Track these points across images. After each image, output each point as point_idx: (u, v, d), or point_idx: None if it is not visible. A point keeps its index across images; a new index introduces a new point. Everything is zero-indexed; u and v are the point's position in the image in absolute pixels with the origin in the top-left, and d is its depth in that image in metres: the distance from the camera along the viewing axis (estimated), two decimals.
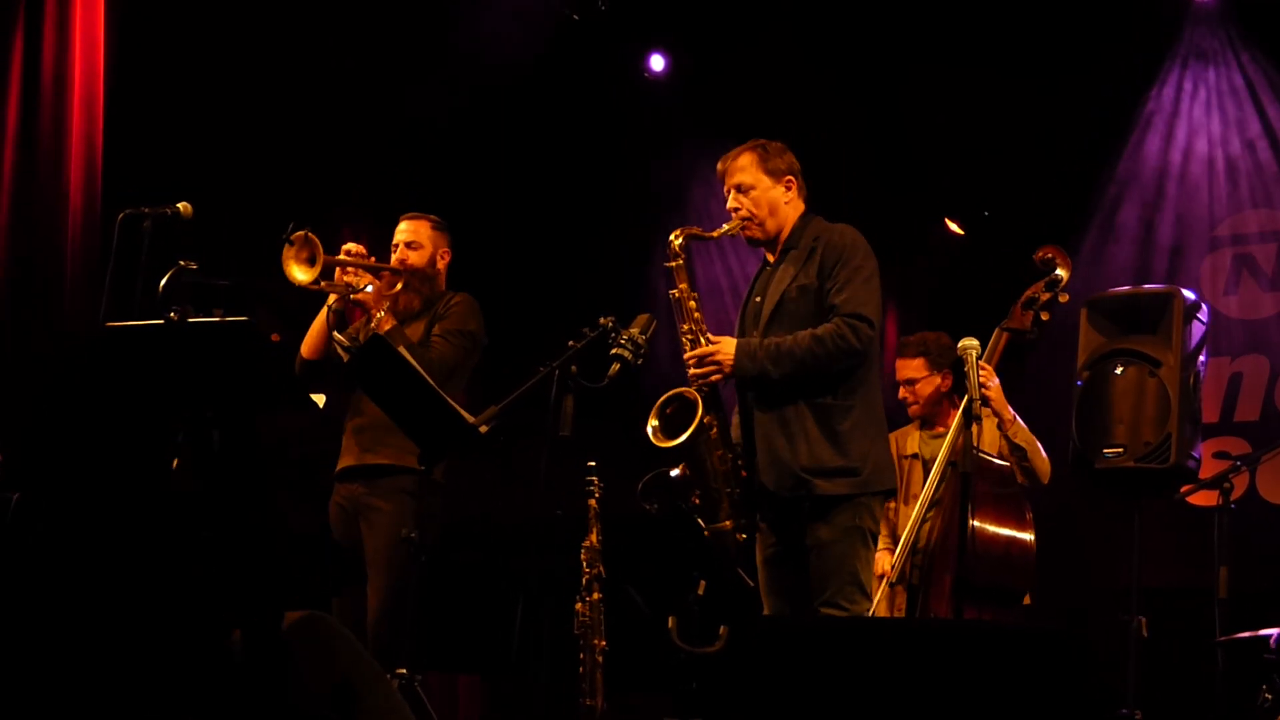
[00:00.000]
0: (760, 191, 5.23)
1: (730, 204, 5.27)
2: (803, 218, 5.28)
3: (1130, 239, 8.74)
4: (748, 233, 5.26)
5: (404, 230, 6.11)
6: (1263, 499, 8.19)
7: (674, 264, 5.16)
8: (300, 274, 5.64)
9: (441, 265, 6.13)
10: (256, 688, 3.90)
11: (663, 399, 5.05)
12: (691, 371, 5.09)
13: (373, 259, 5.93)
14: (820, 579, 5.04)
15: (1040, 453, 6.00)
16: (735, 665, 4.64)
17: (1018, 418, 5.98)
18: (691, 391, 5.04)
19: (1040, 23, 8.48)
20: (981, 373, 5.71)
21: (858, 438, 5.06)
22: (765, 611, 5.25)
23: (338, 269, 5.82)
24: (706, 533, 5.07)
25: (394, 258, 6.05)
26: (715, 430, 5.05)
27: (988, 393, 5.77)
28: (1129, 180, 8.80)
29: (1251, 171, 8.51)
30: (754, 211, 5.23)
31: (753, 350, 5.05)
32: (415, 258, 6.05)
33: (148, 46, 7.69)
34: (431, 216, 6.15)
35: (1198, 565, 6.95)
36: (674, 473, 5.09)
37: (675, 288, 5.16)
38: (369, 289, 5.79)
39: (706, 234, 5.27)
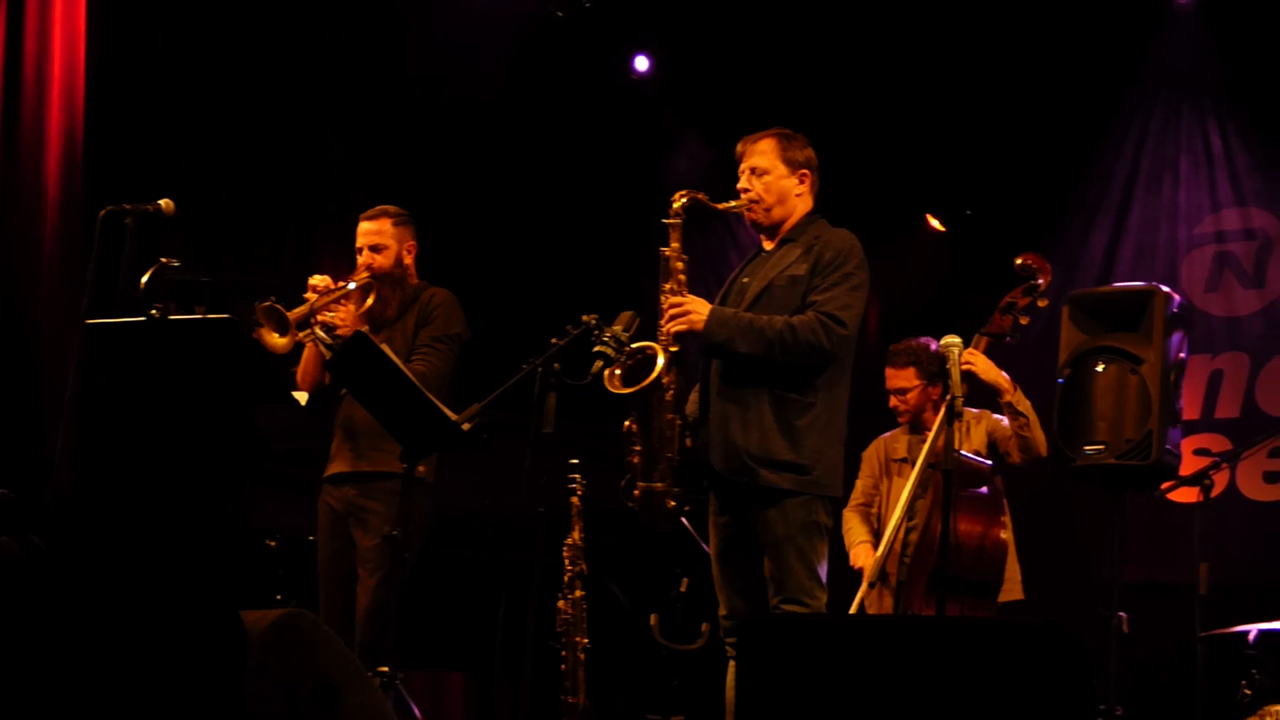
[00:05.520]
0: (774, 178, 5.24)
1: (741, 184, 5.27)
2: (809, 215, 5.29)
3: (1112, 236, 8.76)
4: (751, 215, 5.27)
5: (366, 232, 6.03)
6: (1243, 495, 8.22)
7: (671, 221, 5.15)
8: (279, 341, 5.64)
9: (409, 260, 6.07)
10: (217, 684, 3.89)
11: (630, 347, 5.03)
12: (663, 322, 5.07)
13: (340, 283, 5.88)
14: (779, 575, 5.04)
15: (1038, 424, 6.03)
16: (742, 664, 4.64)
17: (1016, 386, 6.01)
18: (658, 347, 5.03)
19: (1020, 20, 8.50)
20: (971, 357, 5.75)
21: (813, 436, 5.06)
22: (722, 609, 5.24)
23: (312, 315, 5.79)
24: (637, 490, 5.06)
25: (359, 261, 6.01)
26: (671, 393, 5.04)
27: (976, 370, 5.80)
28: (1110, 177, 8.82)
29: (1232, 168, 8.52)
30: (763, 195, 5.24)
31: (726, 317, 5.05)
32: (381, 259, 5.99)
33: (129, 40, 7.67)
34: (390, 210, 6.06)
35: (1178, 561, 6.99)
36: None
37: (667, 245, 5.15)
38: (344, 317, 5.79)
39: (711, 203, 5.24)
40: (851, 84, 8.93)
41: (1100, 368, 5.65)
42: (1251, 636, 6.04)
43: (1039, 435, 6.04)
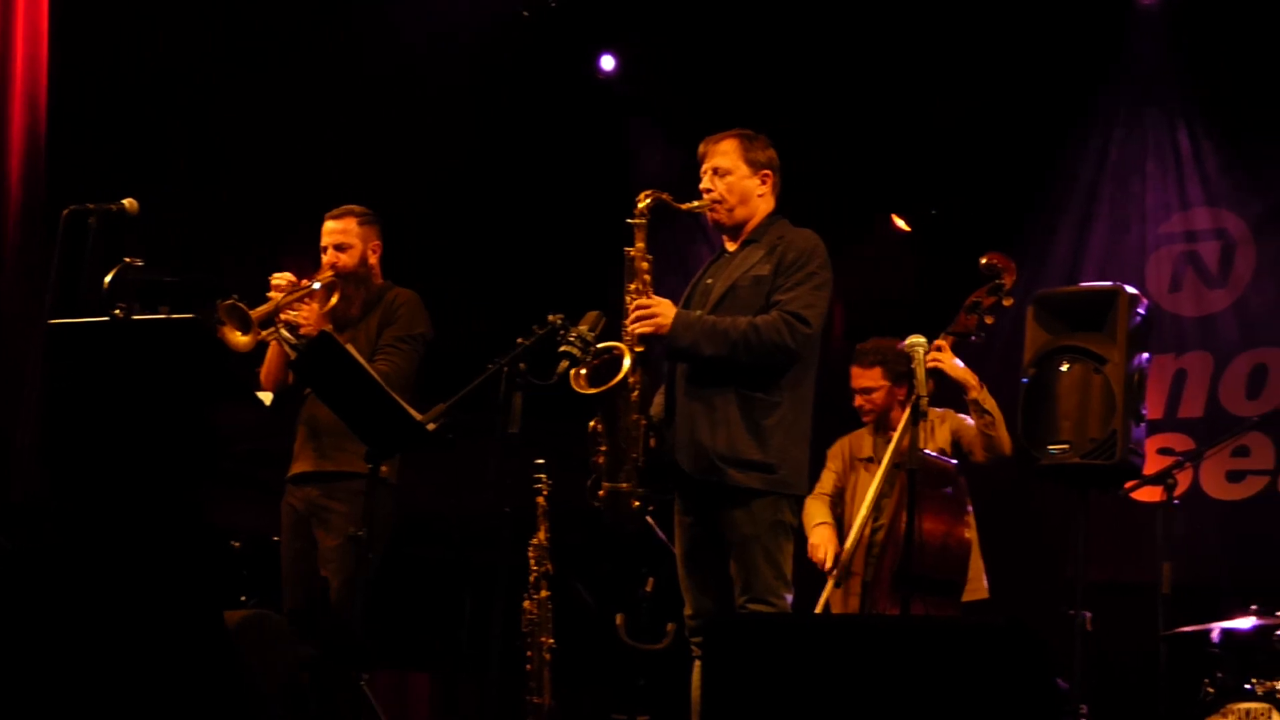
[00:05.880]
0: (736, 178, 5.26)
1: (704, 184, 5.28)
2: (771, 215, 5.31)
3: (1078, 236, 8.78)
4: (714, 215, 5.29)
5: (331, 231, 6.02)
6: (1206, 495, 8.25)
7: (636, 222, 5.16)
8: (241, 339, 5.61)
9: (374, 260, 6.06)
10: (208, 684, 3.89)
11: (596, 348, 5.04)
12: (627, 323, 5.08)
13: (303, 281, 5.86)
14: (745, 574, 5.05)
15: (1004, 423, 6.04)
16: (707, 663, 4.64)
17: (983, 385, 6.02)
18: (624, 347, 5.04)
19: (987, 20, 8.52)
20: (939, 354, 5.77)
21: (779, 435, 5.07)
22: (688, 609, 5.25)
23: (276, 314, 5.76)
24: (603, 490, 5.06)
25: (324, 260, 5.99)
26: (636, 394, 5.05)
27: (944, 367, 5.82)
28: (1076, 177, 8.85)
29: (1197, 169, 8.56)
30: (725, 196, 5.26)
31: (691, 321, 5.06)
32: (345, 259, 5.98)
33: (92, 39, 7.64)
34: (356, 210, 6.05)
35: (1142, 561, 7.01)
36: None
37: (632, 246, 5.16)
38: (308, 316, 5.76)
39: (675, 203, 5.25)
40: (817, 85, 8.94)
41: (1064, 367, 5.66)
42: (1215, 635, 6.08)
43: (1004, 434, 6.05)
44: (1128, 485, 6.15)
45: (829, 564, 6.07)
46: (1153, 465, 6.47)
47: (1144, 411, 5.71)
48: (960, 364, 5.93)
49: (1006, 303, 5.95)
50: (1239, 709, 5.82)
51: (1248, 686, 5.90)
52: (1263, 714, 5.77)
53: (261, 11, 8.27)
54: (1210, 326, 8.50)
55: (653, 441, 5.12)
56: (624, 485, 5.06)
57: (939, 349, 5.84)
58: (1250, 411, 8.11)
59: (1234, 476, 8.27)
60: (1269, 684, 5.87)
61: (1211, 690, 6.00)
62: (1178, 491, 6.41)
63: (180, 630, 3.86)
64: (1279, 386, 8.20)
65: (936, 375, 5.79)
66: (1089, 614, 5.62)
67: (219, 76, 8.08)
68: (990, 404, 6.04)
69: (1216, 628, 6.08)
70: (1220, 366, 8.42)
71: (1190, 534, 7.72)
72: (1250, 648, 6.04)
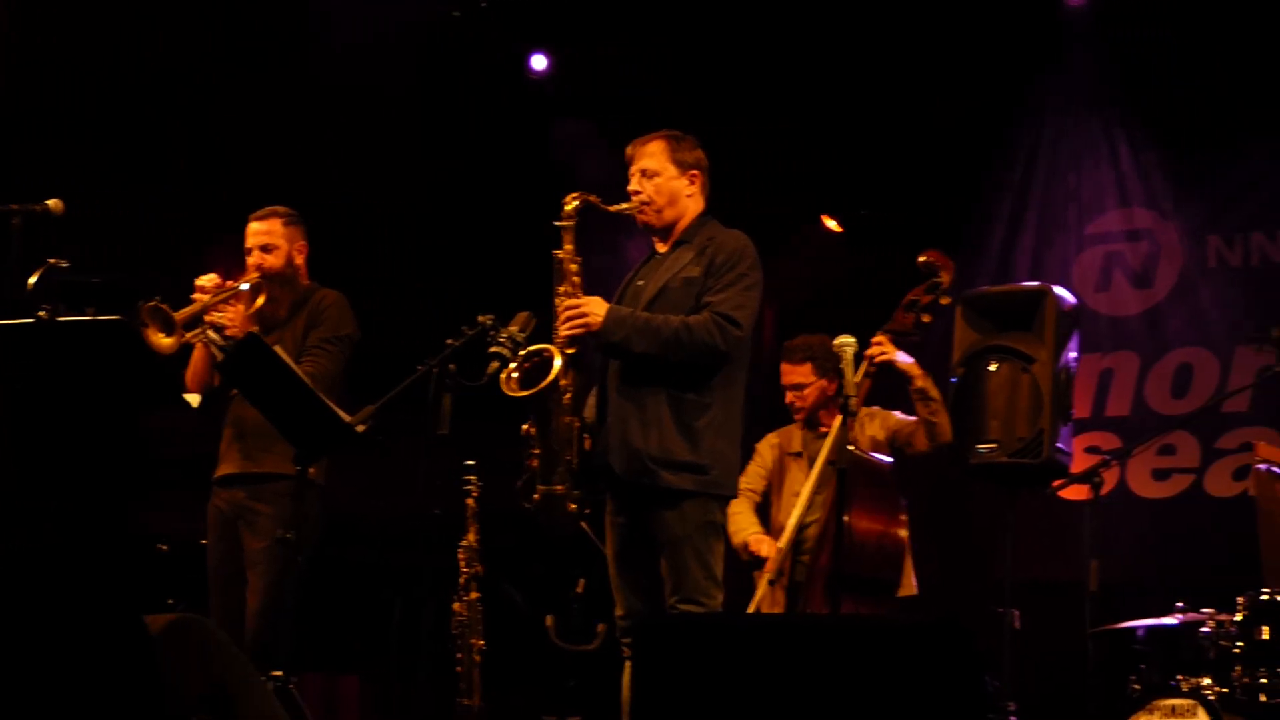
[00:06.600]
0: (664, 179, 5.26)
1: (632, 186, 5.27)
2: (701, 216, 5.31)
3: (1004, 237, 8.83)
4: (642, 217, 5.28)
5: (255, 233, 5.95)
6: (1132, 493, 8.33)
7: (564, 224, 5.15)
8: (164, 341, 5.56)
9: (299, 261, 6.00)
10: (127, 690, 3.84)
11: (525, 350, 5.04)
12: (558, 324, 5.08)
13: (228, 283, 5.80)
14: (675, 575, 5.06)
15: (946, 411, 6.06)
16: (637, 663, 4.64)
17: (926, 374, 6.04)
18: (554, 349, 5.04)
19: (918, 19, 8.56)
20: (881, 348, 5.79)
21: (710, 436, 5.08)
22: (619, 609, 5.25)
23: (202, 316, 5.72)
24: (537, 494, 5.06)
25: (249, 262, 5.93)
26: (569, 396, 5.05)
27: (891, 358, 5.84)
28: (1008, 177, 8.89)
29: (1130, 169, 8.62)
30: (654, 197, 5.25)
31: (623, 317, 5.06)
32: (271, 260, 5.92)
33: (17, 42, 7.57)
34: (280, 210, 5.99)
35: (1069, 559, 7.06)
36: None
37: (560, 248, 5.15)
38: (233, 318, 5.71)
39: (602, 205, 5.25)
40: (751, 85, 8.95)
41: (993, 367, 5.70)
42: (1141, 632, 6.13)
43: (946, 420, 6.06)
44: (1055, 484, 6.19)
45: (769, 570, 6.02)
46: (1080, 464, 6.52)
47: (1071, 410, 5.76)
48: (905, 356, 5.95)
49: (944, 301, 5.96)
50: (1165, 705, 5.86)
51: (1173, 683, 5.95)
52: (1188, 710, 5.81)
53: (206, 13, 8.23)
54: (1137, 326, 8.56)
55: (587, 443, 5.12)
56: (559, 488, 5.06)
57: (879, 345, 5.86)
58: (1176, 410, 8.19)
59: (1160, 475, 8.34)
60: (1194, 680, 5.92)
61: (1138, 687, 6.04)
62: (1104, 490, 6.45)
63: (98, 635, 3.82)
64: (1204, 386, 8.28)
65: (882, 368, 5.82)
66: (1017, 612, 5.67)
67: (173, 74, 8.03)
68: (935, 392, 6.05)
69: (1143, 625, 6.13)
70: (1146, 366, 8.49)
71: (1117, 532, 7.79)
72: (1176, 644, 6.08)
